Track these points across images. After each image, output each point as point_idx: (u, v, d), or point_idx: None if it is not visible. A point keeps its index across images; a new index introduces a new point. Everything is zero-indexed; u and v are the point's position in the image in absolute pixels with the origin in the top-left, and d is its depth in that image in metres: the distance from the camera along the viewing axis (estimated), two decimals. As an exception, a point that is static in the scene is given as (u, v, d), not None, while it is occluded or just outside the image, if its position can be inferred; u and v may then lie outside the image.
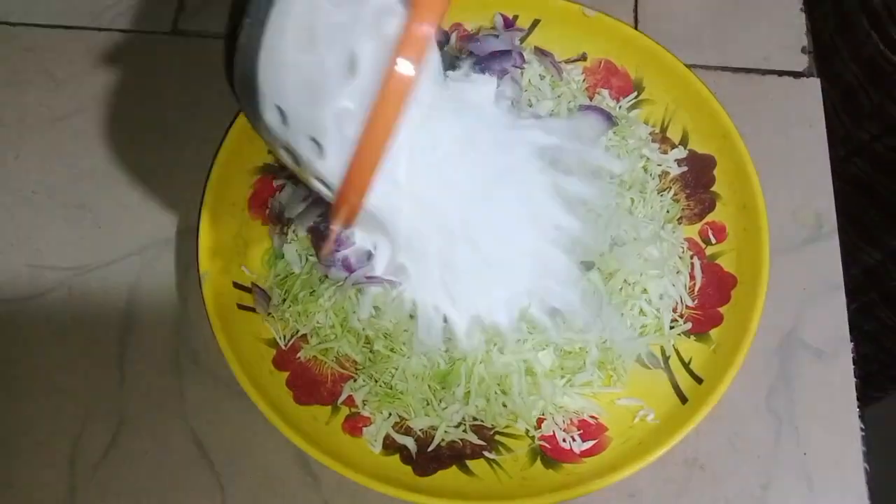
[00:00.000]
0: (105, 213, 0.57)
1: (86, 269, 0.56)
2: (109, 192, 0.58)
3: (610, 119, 0.55)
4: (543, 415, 0.48)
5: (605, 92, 0.57)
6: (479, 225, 0.47)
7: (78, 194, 0.58)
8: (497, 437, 0.49)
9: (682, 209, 0.54)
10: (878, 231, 0.70)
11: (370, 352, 0.49)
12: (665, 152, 0.55)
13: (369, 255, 0.47)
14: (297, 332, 0.51)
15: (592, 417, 0.49)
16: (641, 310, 0.50)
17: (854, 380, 0.51)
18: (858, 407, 0.50)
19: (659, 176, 0.55)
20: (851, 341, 0.52)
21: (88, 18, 0.64)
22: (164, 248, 0.56)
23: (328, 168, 0.38)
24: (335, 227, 0.42)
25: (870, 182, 0.68)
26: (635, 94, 0.57)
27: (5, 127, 0.60)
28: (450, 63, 0.55)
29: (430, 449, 0.48)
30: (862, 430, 0.50)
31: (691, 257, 0.53)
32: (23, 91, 0.61)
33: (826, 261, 0.54)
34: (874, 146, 0.65)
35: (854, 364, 0.51)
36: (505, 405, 0.48)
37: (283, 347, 0.51)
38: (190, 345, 0.53)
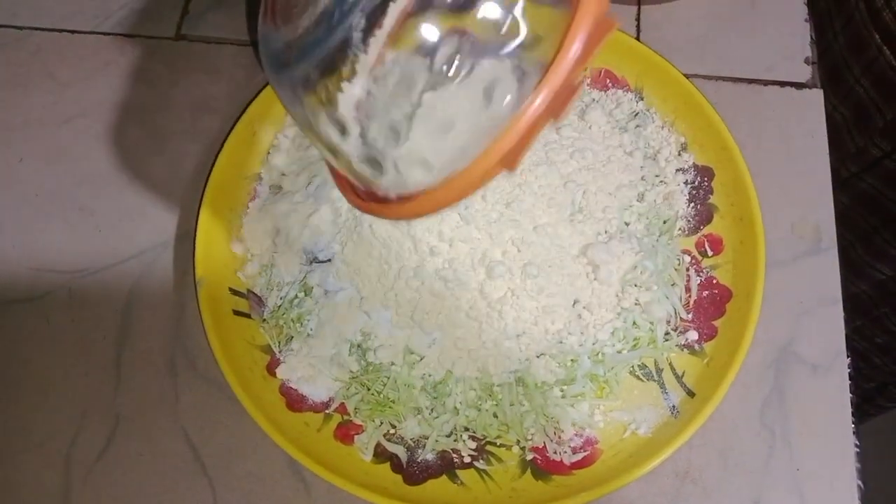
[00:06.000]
0: (105, 217, 0.58)
1: (85, 272, 0.56)
2: (110, 196, 0.58)
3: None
4: (534, 426, 0.48)
5: (605, 102, 0.57)
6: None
7: (79, 198, 0.58)
8: (488, 448, 0.49)
9: (679, 220, 0.54)
10: (886, 247, 0.70)
11: (363, 360, 0.49)
12: (663, 163, 0.55)
13: None
14: (291, 338, 0.51)
15: (583, 429, 0.49)
16: (635, 321, 0.50)
17: (849, 395, 0.50)
18: (854, 423, 0.50)
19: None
20: (847, 356, 0.51)
21: (93, 23, 0.65)
22: (163, 252, 0.56)
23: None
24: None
25: (879, 199, 0.67)
26: (635, 104, 0.57)
27: (9, 130, 0.61)
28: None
29: (420, 458, 0.48)
30: (856, 446, 0.49)
31: (687, 270, 0.52)
32: (27, 94, 0.62)
33: (824, 274, 0.54)
34: (885, 163, 0.64)
35: (850, 380, 0.51)
36: (496, 416, 0.48)
37: (277, 354, 0.51)
38: (186, 348, 0.53)
